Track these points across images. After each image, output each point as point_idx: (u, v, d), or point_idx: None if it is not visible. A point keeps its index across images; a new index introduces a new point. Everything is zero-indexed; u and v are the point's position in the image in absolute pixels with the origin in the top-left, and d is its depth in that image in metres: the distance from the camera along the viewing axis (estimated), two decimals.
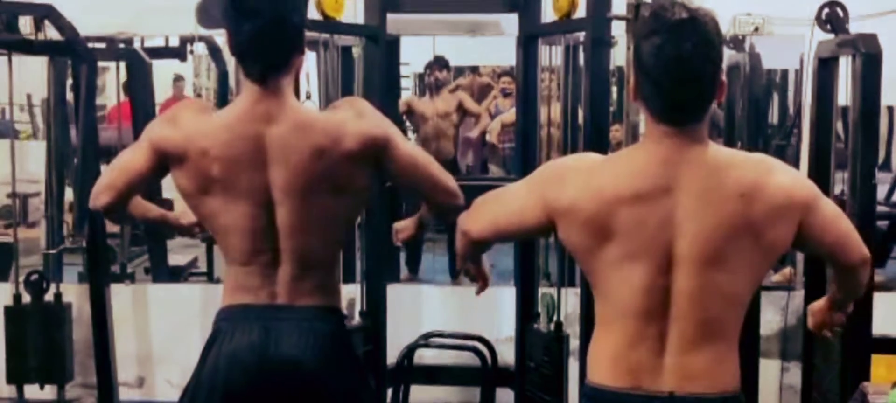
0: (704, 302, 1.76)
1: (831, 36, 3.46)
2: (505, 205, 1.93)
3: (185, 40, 5.03)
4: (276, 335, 2.03)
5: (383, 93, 3.84)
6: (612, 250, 1.75)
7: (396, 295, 4.11)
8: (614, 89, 4.71)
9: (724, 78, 1.76)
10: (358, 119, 2.05)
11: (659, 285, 1.75)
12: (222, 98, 5.36)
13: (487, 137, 6.74)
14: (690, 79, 1.69)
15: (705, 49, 1.68)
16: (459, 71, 7.12)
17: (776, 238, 1.77)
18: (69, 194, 4.69)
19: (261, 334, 2.03)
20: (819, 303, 2.22)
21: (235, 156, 1.99)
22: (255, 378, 2.02)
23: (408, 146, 2.13)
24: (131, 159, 2.10)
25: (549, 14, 3.67)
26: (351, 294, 3.73)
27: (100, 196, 2.10)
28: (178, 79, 6.46)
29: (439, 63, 6.21)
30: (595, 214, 1.75)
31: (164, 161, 2.05)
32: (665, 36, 1.68)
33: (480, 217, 1.96)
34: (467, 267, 2.21)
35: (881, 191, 4.75)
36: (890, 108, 5.41)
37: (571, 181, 1.80)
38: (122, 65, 4.97)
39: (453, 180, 2.16)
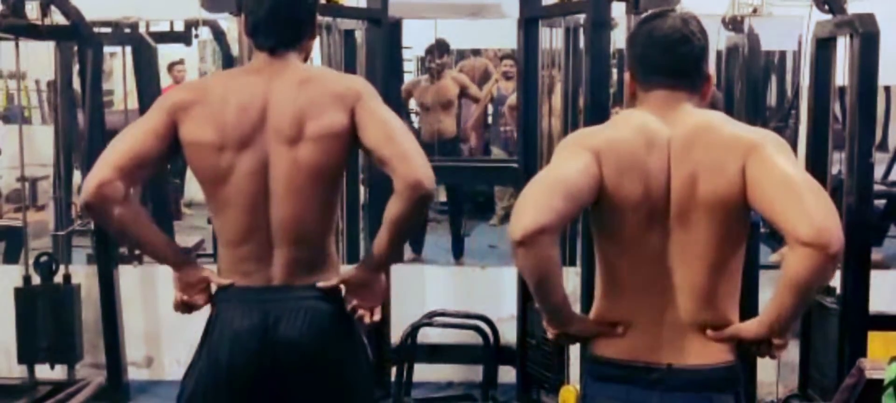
0: (692, 268, 1.80)
1: (829, 16, 3.48)
2: (552, 174, 1.79)
3: (190, 25, 5.06)
4: (276, 317, 2.06)
5: (386, 75, 3.88)
6: (641, 196, 1.79)
7: (400, 275, 4.14)
8: (614, 71, 4.73)
9: (710, 72, 1.90)
10: (353, 77, 2.24)
11: (658, 250, 1.81)
12: None
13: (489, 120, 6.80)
14: (680, 42, 1.84)
15: (690, 25, 1.85)
16: (461, 54, 7.16)
17: (722, 180, 1.75)
18: (77, 177, 4.74)
19: (260, 317, 2.06)
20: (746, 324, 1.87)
21: (246, 97, 2.06)
22: (257, 360, 2.06)
23: (388, 110, 2.11)
24: (136, 127, 2.11)
25: None
26: None
27: (103, 171, 2.01)
28: (177, 62, 6.49)
29: (440, 48, 6.25)
30: (630, 151, 1.80)
31: (176, 120, 2.06)
32: (654, 21, 1.88)
33: (526, 209, 1.70)
34: (565, 331, 1.92)
35: (878, 171, 4.77)
36: (887, 89, 5.43)
37: (597, 131, 1.89)
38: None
39: (427, 162, 2.03)
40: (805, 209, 1.64)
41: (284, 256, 2.09)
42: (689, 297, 1.82)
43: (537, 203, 1.70)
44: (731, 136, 1.79)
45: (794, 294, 1.69)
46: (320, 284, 2.11)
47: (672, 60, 1.84)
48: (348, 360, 2.16)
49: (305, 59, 2.18)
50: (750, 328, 1.82)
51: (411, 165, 1.97)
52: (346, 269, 2.22)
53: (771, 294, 1.78)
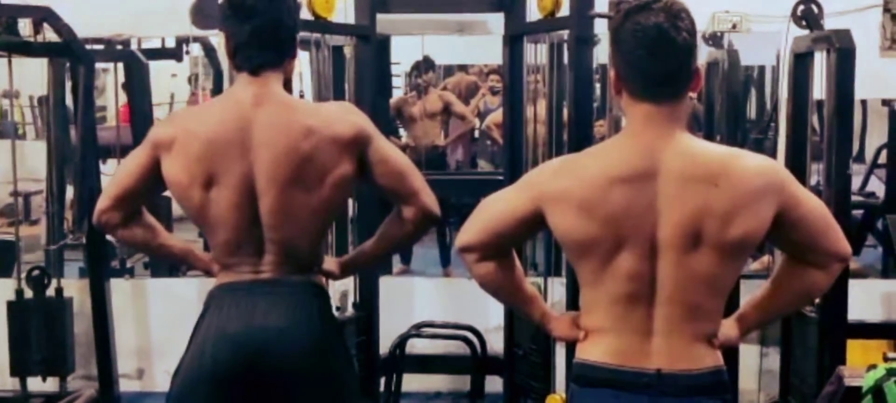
0: (687, 288, 1.80)
1: (806, 32, 3.54)
2: (495, 206, 1.94)
3: (181, 41, 5.11)
4: (265, 306, 2.11)
5: (374, 91, 3.94)
6: (601, 236, 1.80)
7: (389, 286, 4.20)
8: (598, 86, 4.79)
9: (699, 67, 1.84)
10: (348, 112, 2.18)
11: (644, 271, 1.79)
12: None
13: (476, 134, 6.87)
14: (667, 47, 1.76)
15: (677, 21, 1.76)
16: (448, 70, 7.23)
17: (753, 222, 1.78)
18: (70, 192, 4.77)
19: (248, 305, 2.11)
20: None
21: (222, 135, 2.07)
22: (240, 346, 2.07)
23: (393, 147, 2.23)
24: (129, 160, 2.22)
25: (534, 13, 3.76)
26: (344, 286, 3.80)
27: (102, 201, 2.20)
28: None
29: (426, 64, 6.34)
30: (586, 198, 1.79)
31: (158, 156, 2.12)
32: (640, 14, 1.77)
33: (471, 226, 1.96)
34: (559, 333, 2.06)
35: (855, 182, 4.84)
36: (863, 102, 5.49)
37: (562, 172, 1.85)
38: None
39: (432, 193, 2.24)
40: (838, 231, 1.87)
41: (274, 260, 2.15)
42: (681, 310, 1.82)
43: (472, 228, 1.96)
44: (754, 178, 1.78)
45: (805, 302, 1.93)
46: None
47: (656, 65, 1.78)
48: (334, 351, 2.20)
49: (288, 79, 2.22)
50: (734, 333, 1.97)
51: (423, 200, 2.20)
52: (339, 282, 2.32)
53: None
